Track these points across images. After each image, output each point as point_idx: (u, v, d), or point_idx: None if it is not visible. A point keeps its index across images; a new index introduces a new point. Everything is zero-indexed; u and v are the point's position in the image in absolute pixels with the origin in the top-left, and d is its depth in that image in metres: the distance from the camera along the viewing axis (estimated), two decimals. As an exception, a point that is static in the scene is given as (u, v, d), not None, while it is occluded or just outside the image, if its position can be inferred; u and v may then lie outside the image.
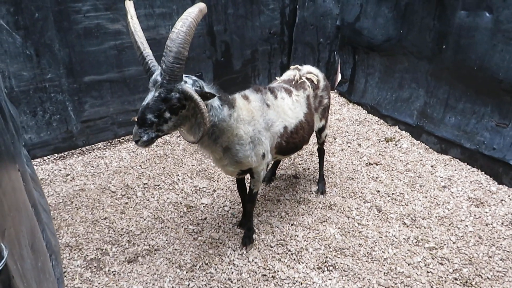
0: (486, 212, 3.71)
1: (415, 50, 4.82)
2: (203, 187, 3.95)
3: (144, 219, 3.53)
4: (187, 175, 4.12)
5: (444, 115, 4.61)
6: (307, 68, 3.54)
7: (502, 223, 3.60)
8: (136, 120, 2.26)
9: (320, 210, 3.72)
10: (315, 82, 3.40)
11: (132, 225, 3.46)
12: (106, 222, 3.48)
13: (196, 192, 3.90)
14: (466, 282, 3.01)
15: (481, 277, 3.06)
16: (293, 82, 3.33)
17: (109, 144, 4.61)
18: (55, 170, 4.13)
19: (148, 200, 3.77)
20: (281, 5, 5.27)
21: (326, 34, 5.85)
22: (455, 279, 3.04)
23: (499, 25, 3.89)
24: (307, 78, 3.37)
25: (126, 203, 3.73)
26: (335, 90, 6.16)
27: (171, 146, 4.61)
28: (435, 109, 4.72)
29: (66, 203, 3.68)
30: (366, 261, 3.17)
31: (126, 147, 4.57)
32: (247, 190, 3.28)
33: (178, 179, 4.06)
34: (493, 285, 2.99)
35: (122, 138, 4.70)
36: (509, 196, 3.94)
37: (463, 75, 4.34)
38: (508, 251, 3.31)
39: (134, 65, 4.45)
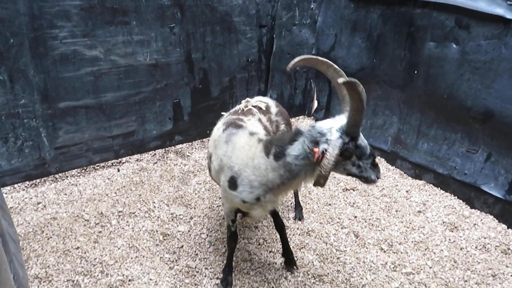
0: (460, 236, 3.78)
1: (387, 79, 4.98)
2: (180, 214, 3.89)
3: (118, 248, 3.43)
4: (164, 202, 4.05)
5: (417, 141, 4.74)
6: (256, 98, 3.45)
7: (476, 247, 3.66)
8: None
9: (298, 236, 3.70)
10: (264, 108, 3.26)
11: (106, 255, 3.35)
12: (78, 252, 3.36)
13: (172, 219, 3.83)
14: (443, 307, 3.03)
15: (458, 302, 3.08)
16: (239, 111, 3.22)
17: (83, 171, 4.51)
18: (26, 198, 4.00)
19: (122, 228, 3.68)
20: (258, 34, 5.39)
21: (302, 63, 5.99)
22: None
23: (465, 56, 4.08)
24: (253, 106, 3.25)
25: (100, 231, 3.62)
26: (312, 117, 6.27)
27: (148, 173, 4.55)
28: (408, 136, 4.85)
29: (37, 233, 3.54)
30: (345, 287, 3.15)
31: (101, 174, 4.48)
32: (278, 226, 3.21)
33: (154, 207, 3.99)
34: (470, 310, 3.01)
35: (97, 164, 4.61)
36: (481, 220, 4.03)
37: (433, 103, 4.50)
38: (483, 275, 3.36)
39: (111, 91, 4.42)
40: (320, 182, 2.23)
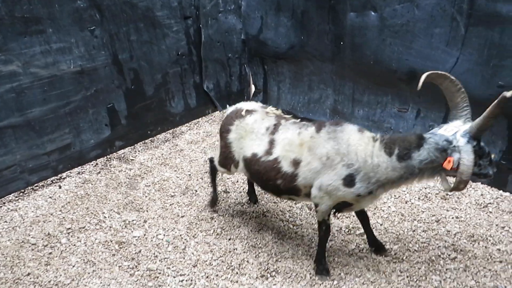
0: (404, 191, 4.02)
1: (317, 53, 5.12)
2: (133, 220, 3.79)
3: (73, 266, 3.29)
4: (114, 211, 3.93)
5: (353, 109, 4.94)
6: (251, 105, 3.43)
7: (419, 198, 3.92)
8: None
9: (255, 219, 3.76)
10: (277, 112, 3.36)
11: (60, 275, 3.20)
12: (30, 278, 3.19)
13: (126, 226, 3.73)
14: (398, 258, 3.23)
15: (410, 251, 3.30)
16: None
17: (21, 194, 4.25)
18: (-39, 233, 3.71)
19: (74, 245, 3.53)
20: (184, 26, 5.31)
21: (233, 49, 6.00)
22: (389, 257, 3.24)
23: (384, 22, 4.29)
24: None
25: (50, 253, 3.45)
26: (252, 101, 6.31)
27: (92, 184, 4.38)
28: (344, 105, 5.04)
29: (-20, 267, 3.31)
30: (306, 259, 3.26)
31: (41, 194, 4.25)
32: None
33: (105, 217, 3.86)
34: (420, 256, 3.24)
35: (35, 185, 4.36)
36: (420, 173, 4.31)
37: (363, 70, 4.70)
38: (428, 222, 3.61)
39: (37, 105, 4.17)
40: (460, 187, 2.38)
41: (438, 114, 4.23)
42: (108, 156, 4.91)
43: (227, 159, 3.36)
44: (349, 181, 2.67)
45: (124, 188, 4.31)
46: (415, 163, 2.50)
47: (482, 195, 3.95)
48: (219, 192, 4.18)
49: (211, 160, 3.72)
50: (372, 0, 4.34)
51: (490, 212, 3.71)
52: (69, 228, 3.72)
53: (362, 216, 3.22)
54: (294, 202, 3.93)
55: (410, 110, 4.43)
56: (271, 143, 3.00)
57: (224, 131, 3.35)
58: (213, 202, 3.87)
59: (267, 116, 3.20)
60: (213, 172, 3.80)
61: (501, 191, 3.98)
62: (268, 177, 2.99)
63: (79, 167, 4.68)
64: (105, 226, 3.73)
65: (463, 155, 2.31)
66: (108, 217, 3.86)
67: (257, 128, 3.11)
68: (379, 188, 2.69)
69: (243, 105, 3.41)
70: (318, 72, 5.22)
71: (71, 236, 3.63)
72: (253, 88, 6.24)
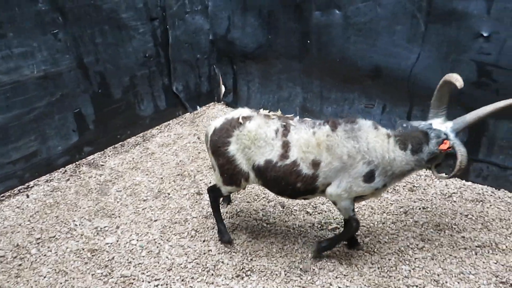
0: (373, 185, 4.13)
1: (285, 52, 5.18)
2: (105, 227, 3.74)
3: (44, 277, 3.22)
4: (85, 218, 3.86)
5: (322, 106, 5.04)
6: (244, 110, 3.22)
7: (387, 191, 4.04)
8: None
9: (229, 219, 3.78)
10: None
11: (32, 287, 3.12)
12: (-1, 292, 3.10)
13: (98, 233, 3.67)
14: (370, 251, 3.33)
15: (380, 243, 3.41)
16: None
17: (-14, 205, 4.11)
18: None
19: (45, 255, 3.45)
20: (151, 27, 5.24)
21: (202, 50, 5.97)
22: (361, 251, 3.34)
23: (348, 20, 4.38)
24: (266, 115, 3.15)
25: (20, 264, 3.36)
26: (222, 102, 6.32)
27: (61, 192, 4.28)
28: (313, 103, 5.13)
29: None
30: (280, 256, 3.31)
31: (8, 204, 4.12)
32: None
33: (76, 225, 3.79)
34: (390, 247, 3.35)
35: (1, 195, 4.22)
36: (388, 166, 4.45)
37: (329, 68, 4.79)
38: (396, 214, 3.73)
39: (0, 113, 4.04)
40: (457, 174, 2.76)
41: (402, 109, 4.37)
42: (77, 162, 4.81)
43: (234, 175, 3.10)
44: (369, 177, 2.82)
45: (94, 194, 4.24)
46: (424, 156, 2.80)
47: (446, 185, 4.11)
48: (192, 194, 4.18)
49: (212, 190, 3.39)
50: (336, -1, 4.43)
51: (454, 201, 3.87)
52: (39, 238, 3.63)
53: None
54: (286, 200, 3.93)
55: (376, 106, 4.55)
56: (286, 146, 2.90)
57: (220, 146, 3.07)
58: (223, 234, 3.43)
59: (270, 119, 3.05)
60: (215, 202, 3.44)
61: (463, 181, 4.16)
62: (287, 181, 2.91)
63: (47, 175, 4.56)
64: (76, 234, 3.66)
65: (459, 147, 2.70)
66: (79, 224, 3.79)
67: (264, 133, 2.95)
68: (392, 180, 2.93)
69: (234, 114, 3.16)
70: (287, 70, 5.28)
71: (41, 246, 3.55)
72: (223, 89, 6.24)
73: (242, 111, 3.17)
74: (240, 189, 3.30)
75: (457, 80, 2.69)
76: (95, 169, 4.71)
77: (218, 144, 3.09)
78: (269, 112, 3.18)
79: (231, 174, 3.11)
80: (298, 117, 3.12)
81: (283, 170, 2.90)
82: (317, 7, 4.63)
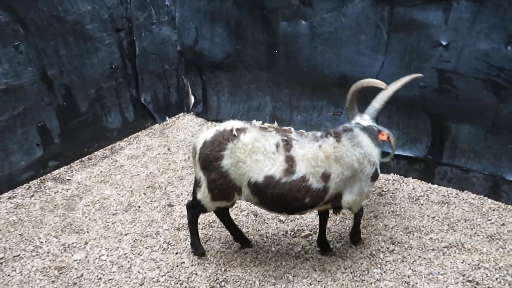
0: (343, 191, 4.20)
1: (253, 62, 5.22)
2: (73, 243, 3.62)
3: (8, 298, 3.07)
4: (51, 235, 3.72)
5: (291, 115, 5.10)
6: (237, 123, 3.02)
7: (357, 197, 4.12)
8: None
9: (201, 231, 3.73)
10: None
11: (-6, 310, 2.98)
12: (-42, 317, 2.93)
13: (65, 250, 3.54)
14: (342, 256, 3.37)
15: (352, 248, 3.46)
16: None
17: None
18: None
19: (8, 275, 3.29)
20: (117, 39, 5.17)
21: (169, 61, 5.94)
22: (334, 256, 3.38)
23: (314, 30, 4.48)
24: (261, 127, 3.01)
25: (-19, 287, 3.19)
26: (192, 112, 6.28)
27: (25, 209, 4.11)
28: (283, 111, 5.18)
29: None
30: (254, 265, 3.30)
31: (-33, 223, 3.92)
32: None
33: (42, 242, 3.64)
34: (362, 251, 3.41)
35: (-40, 214, 4.02)
36: (357, 172, 4.54)
37: (297, 77, 4.86)
38: (367, 219, 3.81)
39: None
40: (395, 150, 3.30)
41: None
42: (41, 177, 4.64)
43: (227, 190, 2.93)
44: (375, 175, 3.05)
45: (61, 210, 4.10)
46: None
47: (413, 188, 4.23)
48: (163, 206, 4.11)
49: (192, 206, 3.21)
50: (302, 10, 4.52)
51: (422, 204, 3.99)
52: (2, 258, 3.46)
53: (326, 214, 3.34)
54: (259, 209, 3.86)
55: (344, 113, 4.65)
56: (290, 160, 2.77)
57: (213, 160, 2.85)
58: (197, 248, 3.37)
59: (267, 131, 2.89)
60: (194, 220, 3.32)
61: (429, 184, 4.30)
62: (294, 198, 2.79)
63: (10, 192, 4.37)
64: (42, 252, 3.52)
65: (385, 130, 3.18)
66: (45, 242, 3.65)
67: (262, 146, 2.78)
68: None
69: (226, 125, 2.95)
70: (256, 80, 5.32)
71: (5, 266, 3.38)
72: (192, 99, 6.21)
73: (234, 123, 2.94)
74: (229, 204, 3.12)
75: (380, 83, 3.21)
76: (61, 184, 4.56)
77: (210, 158, 2.86)
78: (263, 123, 3.03)
79: (224, 189, 2.93)
80: (293, 129, 3.06)
81: (289, 187, 2.76)
82: (283, 17, 4.71)
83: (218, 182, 2.91)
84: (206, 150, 2.88)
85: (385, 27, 4.04)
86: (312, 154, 2.80)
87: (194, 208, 3.21)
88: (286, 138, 2.86)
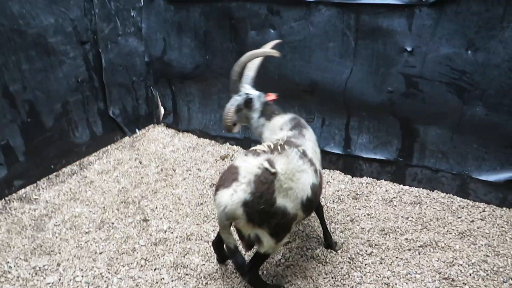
0: (319, 196, 4.25)
1: (223, 71, 5.21)
2: (44, 265, 3.46)
3: (-24, 329, 2.90)
4: (20, 258, 3.55)
5: (264, 123, 5.10)
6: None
7: (333, 201, 4.18)
8: None
9: (179, 244, 3.67)
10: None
11: None
12: None
13: (36, 273, 3.38)
14: (322, 261, 3.39)
15: (332, 252, 3.49)
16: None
17: None
18: None
19: (-25, 305, 3.11)
20: (82, 51, 5.03)
21: (137, 72, 5.84)
22: (312, 258, 3.39)
23: (283, 38, 4.52)
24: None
25: None
26: (162, 123, 6.19)
27: (-10, 232, 3.90)
28: (255, 120, 5.18)
29: None
30: (236, 277, 3.27)
31: None
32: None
33: (10, 267, 3.46)
34: (342, 256, 3.45)
35: None
36: (331, 176, 4.61)
37: (268, 85, 4.85)
38: (344, 223, 3.86)
39: None
40: None
41: (340, 121, 4.57)
42: (6, 198, 4.42)
43: (290, 223, 2.80)
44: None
45: (29, 231, 3.91)
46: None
47: (386, 191, 4.33)
48: (138, 221, 4.01)
49: (255, 263, 2.91)
50: (270, 19, 4.56)
51: (395, 205, 4.09)
52: (-34, 287, 3.26)
53: (321, 209, 3.54)
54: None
55: (316, 120, 4.72)
56: (311, 163, 2.95)
57: (269, 210, 2.61)
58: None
59: (283, 149, 2.79)
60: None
61: (401, 185, 4.42)
62: (319, 194, 3.08)
63: (-28, 215, 4.15)
64: (11, 277, 3.34)
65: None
66: (14, 266, 3.47)
67: (295, 165, 2.74)
68: None
69: (247, 172, 2.61)
70: (227, 89, 5.30)
71: (-30, 295, 3.20)
72: (162, 110, 6.13)
73: (250, 162, 2.67)
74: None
75: (274, 52, 3.44)
76: (28, 203, 4.36)
77: (266, 209, 2.59)
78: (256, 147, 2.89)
79: (287, 224, 2.78)
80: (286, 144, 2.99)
81: (319, 184, 3.02)
82: (252, 27, 4.74)
83: (281, 223, 2.70)
84: (258, 206, 2.55)
85: (352, 34, 4.15)
86: (311, 150, 3.08)
87: (258, 262, 2.95)
88: (302, 148, 2.95)
